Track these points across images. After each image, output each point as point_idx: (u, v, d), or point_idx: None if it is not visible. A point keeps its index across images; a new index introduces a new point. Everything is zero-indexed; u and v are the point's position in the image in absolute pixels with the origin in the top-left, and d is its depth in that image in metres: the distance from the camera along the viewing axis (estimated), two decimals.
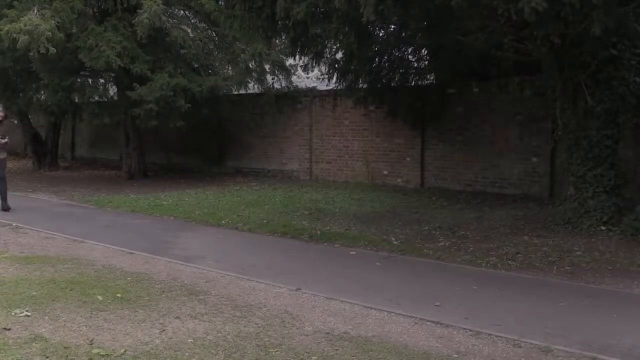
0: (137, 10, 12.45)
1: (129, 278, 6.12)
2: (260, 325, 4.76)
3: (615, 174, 8.44)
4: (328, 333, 4.64)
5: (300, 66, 13.68)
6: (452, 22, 8.68)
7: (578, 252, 7.40)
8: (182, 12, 15.31)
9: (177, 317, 4.87)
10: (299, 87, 15.82)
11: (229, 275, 6.42)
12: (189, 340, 4.34)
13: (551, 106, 10.79)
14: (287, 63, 15.32)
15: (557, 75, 8.83)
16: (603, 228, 8.20)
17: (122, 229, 9.13)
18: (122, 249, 7.60)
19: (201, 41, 14.23)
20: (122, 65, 12.39)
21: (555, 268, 6.87)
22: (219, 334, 4.51)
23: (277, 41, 12.05)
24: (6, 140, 10.38)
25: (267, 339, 4.43)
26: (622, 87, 8.26)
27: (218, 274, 6.45)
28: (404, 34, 11.47)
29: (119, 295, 5.42)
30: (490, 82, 12.21)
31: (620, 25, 6.73)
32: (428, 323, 4.96)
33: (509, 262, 7.10)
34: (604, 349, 4.42)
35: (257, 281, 6.17)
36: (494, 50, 9.84)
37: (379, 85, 13.02)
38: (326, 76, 13.33)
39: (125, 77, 13.68)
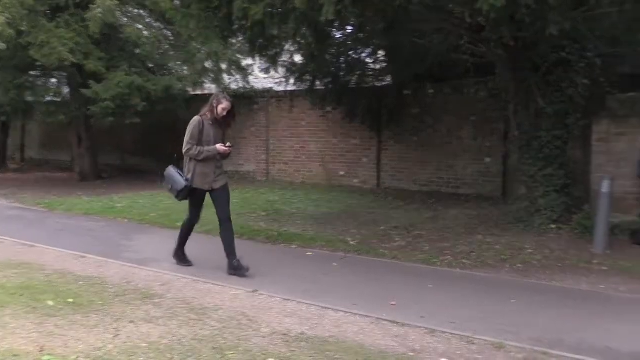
0: (90, 6, 12.18)
1: (81, 282, 5.97)
2: (216, 327, 4.71)
3: (565, 173, 8.66)
4: (285, 334, 4.62)
5: (261, 69, 13.57)
6: (409, 24, 8.78)
7: (529, 250, 7.58)
8: (136, 10, 15.04)
9: (132, 322, 4.78)
10: (256, 87, 15.73)
11: (184, 277, 6.33)
12: (144, 345, 4.26)
13: (504, 108, 11.03)
14: (244, 63, 15.23)
15: (510, 77, 9.04)
16: (553, 226, 8.42)
17: (74, 233, 8.90)
18: (74, 252, 7.40)
19: (157, 39, 14.02)
20: (75, 61, 12.11)
21: (507, 266, 7.03)
22: (174, 338, 4.44)
23: (234, 41, 11.96)
24: (230, 146, 7.11)
25: (223, 342, 4.38)
26: (571, 89, 8.49)
27: (174, 276, 6.36)
28: (361, 36, 11.53)
29: (70, 300, 5.27)
30: (445, 83, 12.40)
31: (572, 28, 6.92)
32: (384, 322, 4.99)
33: (464, 261, 7.23)
34: (555, 344, 4.53)
35: (213, 283, 6.10)
36: (449, 52, 9.99)
37: (337, 87, 13.07)
38: (284, 79, 13.31)
39: (78, 76, 13.39)
